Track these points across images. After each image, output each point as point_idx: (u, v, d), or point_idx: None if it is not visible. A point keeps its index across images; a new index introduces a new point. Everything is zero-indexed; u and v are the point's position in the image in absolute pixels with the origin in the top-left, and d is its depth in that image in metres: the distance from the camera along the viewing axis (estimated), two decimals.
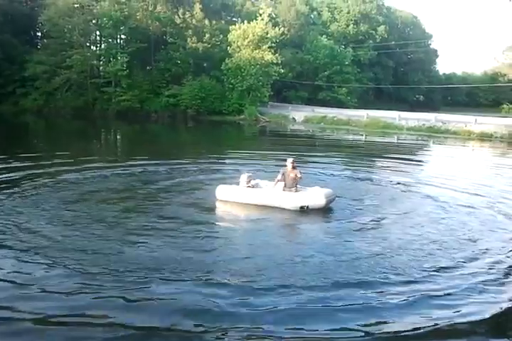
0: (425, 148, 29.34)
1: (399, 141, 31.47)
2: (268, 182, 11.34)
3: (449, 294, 6.24)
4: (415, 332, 5.31)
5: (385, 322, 5.50)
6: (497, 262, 7.51)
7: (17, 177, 13.07)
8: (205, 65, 48.77)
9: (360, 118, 40.20)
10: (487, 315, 5.75)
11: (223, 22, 51.95)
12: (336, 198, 10.94)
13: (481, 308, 5.93)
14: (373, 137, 33.47)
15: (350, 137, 34.37)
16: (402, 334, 5.27)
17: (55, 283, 6.20)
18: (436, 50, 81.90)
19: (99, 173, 14.15)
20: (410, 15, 78.96)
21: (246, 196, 10.73)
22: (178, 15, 47.73)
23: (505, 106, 62.59)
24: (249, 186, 10.97)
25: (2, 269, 6.65)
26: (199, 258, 7.22)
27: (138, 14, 46.53)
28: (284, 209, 10.35)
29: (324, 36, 59.84)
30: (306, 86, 56.61)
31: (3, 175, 13.22)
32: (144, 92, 45.66)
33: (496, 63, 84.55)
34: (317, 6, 69.97)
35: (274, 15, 51.93)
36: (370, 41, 67.50)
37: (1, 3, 46.37)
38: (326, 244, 8.23)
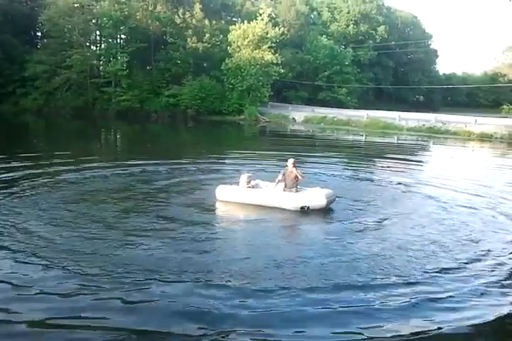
0: (425, 149, 29.30)
1: (399, 142, 31.45)
2: (268, 183, 11.31)
3: (451, 296, 6.18)
4: (418, 336, 5.23)
5: (387, 326, 5.43)
6: (499, 264, 7.45)
7: (16, 176, 13.03)
8: (205, 64, 48.75)
9: (360, 119, 40.17)
10: (490, 318, 5.68)
11: (223, 22, 51.93)
12: (337, 199, 10.90)
13: (484, 311, 5.87)
14: (373, 137, 33.44)
15: (350, 137, 34.34)
16: (405, 338, 5.20)
17: (53, 285, 6.15)
18: (436, 51, 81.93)
19: (99, 173, 14.12)
20: (410, 15, 78.96)
21: (246, 196, 10.69)
22: (178, 15, 47.70)
23: (505, 106, 62.58)
24: (249, 186, 10.94)
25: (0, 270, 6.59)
26: (199, 259, 7.17)
27: (138, 14, 46.51)
28: (284, 209, 10.31)
29: (324, 36, 59.82)
30: (306, 86, 56.58)
31: (3, 175, 13.17)
32: (143, 92, 45.64)
33: (496, 63, 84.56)
34: (317, 6, 69.96)
35: (274, 15, 51.91)
36: (370, 41, 67.50)
37: (1, 2, 46.31)
38: (327, 244, 8.19)
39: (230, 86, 45.17)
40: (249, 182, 10.98)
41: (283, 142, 28.14)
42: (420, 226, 9.40)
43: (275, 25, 48.69)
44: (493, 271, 7.16)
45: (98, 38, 51.40)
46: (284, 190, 10.69)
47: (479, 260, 7.58)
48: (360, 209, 10.69)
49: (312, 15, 67.66)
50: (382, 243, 8.23)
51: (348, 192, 12.29)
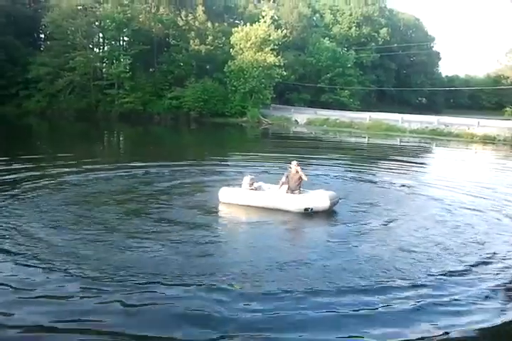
0: (428, 151, 29.22)
1: (402, 144, 31.41)
2: (270, 185, 11.29)
3: (456, 300, 6.12)
4: (424, 340, 5.16)
5: (391, 330, 5.38)
6: (505, 267, 7.38)
7: (19, 178, 13.02)
8: (207, 67, 48.78)
9: (363, 121, 40.14)
10: (497, 322, 5.61)
11: (226, 24, 51.98)
12: (340, 200, 10.87)
13: (491, 315, 5.80)
14: (376, 139, 33.38)
15: (353, 139, 34.29)
16: None
17: (54, 288, 6.10)
18: (438, 53, 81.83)
19: (102, 175, 14.10)
20: (413, 17, 78.93)
21: (249, 198, 10.66)
22: (180, 17, 47.80)
23: (508, 108, 62.27)
24: (251, 188, 10.92)
25: (0, 273, 6.55)
26: (201, 261, 7.13)
27: (141, 16, 46.62)
28: (288, 211, 10.27)
29: (327, 38, 59.81)
30: (309, 88, 56.57)
31: (5, 177, 13.17)
32: (146, 94, 45.69)
33: (499, 66, 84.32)
34: (319, 9, 69.97)
35: (276, 18, 51.88)
36: (373, 43, 67.46)
37: (4, 4, 46.47)
38: (330, 247, 8.13)
39: (233, 88, 45.20)
40: (251, 184, 10.96)
41: (285, 144, 28.12)
42: (424, 229, 9.34)
43: (277, 27, 48.71)
44: (498, 274, 7.09)
45: (101, 40, 51.48)
46: (287, 192, 10.67)
47: (484, 263, 7.51)
48: (364, 211, 10.66)
49: (314, 18, 67.70)
50: (386, 245, 8.17)
51: (351, 194, 12.27)
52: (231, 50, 45.16)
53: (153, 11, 47.92)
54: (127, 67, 43.89)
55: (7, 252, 7.26)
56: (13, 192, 11.31)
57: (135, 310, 5.64)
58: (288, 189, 10.71)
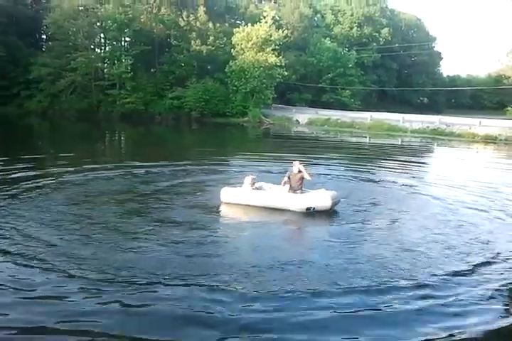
0: (429, 151, 29.21)
1: (403, 144, 31.40)
2: (272, 185, 11.30)
3: (460, 300, 6.06)
4: None
5: (394, 331, 5.34)
6: (510, 267, 7.30)
7: (20, 178, 13.00)
8: (209, 67, 48.83)
9: (364, 121, 40.15)
10: (502, 323, 5.55)
11: (227, 25, 52.02)
12: (342, 200, 10.88)
13: (495, 316, 5.74)
14: (377, 139, 33.36)
15: (354, 139, 34.27)
16: None
17: (53, 288, 6.05)
18: (440, 53, 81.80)
19: (103, 175, 14.11)
20: (414, 17, 78.87)
21: (251, 198, 10.67)
22: (182, 17, 47.84)
23: (509, 108, 62.20)
24: (253, 188, 10.94)
25: (0, 272, 6.51)
26: (202, 262, 7.09)
27: (142, 17, 46.69)
28: (289, 211, 10.27)
29: (328, 39, 59.84)
30: (310, 88, 56.58)
31: (6, 177, 13.18)
32: (148, 95, 45.79)
33: (500, 65, 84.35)
34: (321, 9, 69.99)
35: (277, 18, 51.89)
36: (374, 44, 67.45)
37: (5, 5, 46.58)
38: (332, 247, 8.10)
39: (234, 88, 45.25)
40: (253, 184, 10.98)
41: (287, 144, 28.14)
42: (426, 228, 9.31)
43: (279, 27, 48.73)
44: (502, 273, 7.03)
45: (102, 40, 51.62)
46: (289, 192, 10.70)
47: (488, 263, 7.43)
48: (365, 211, 10.64)
49: (316, 18, 67.76)
50: (388, 245, 8.14)
51: (353, 194, 12.25)
52: (232, 50, 45.22)
53: (154, 11, 48.00)
54: (129, 68, 44.01)
55: (7, 252, 7.21)
56: (14, 191, 11.29)
57: (135, 310, 5.60)
58: (290, 189, 10.74)
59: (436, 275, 6.82)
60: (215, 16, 50.01)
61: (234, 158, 20.63)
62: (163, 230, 8.64)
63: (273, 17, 46.08)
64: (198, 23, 47.50)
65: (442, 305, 5.95)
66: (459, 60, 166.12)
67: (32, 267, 6.67)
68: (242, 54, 44.95)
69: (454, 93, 76.42)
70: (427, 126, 36.56)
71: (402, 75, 75.79)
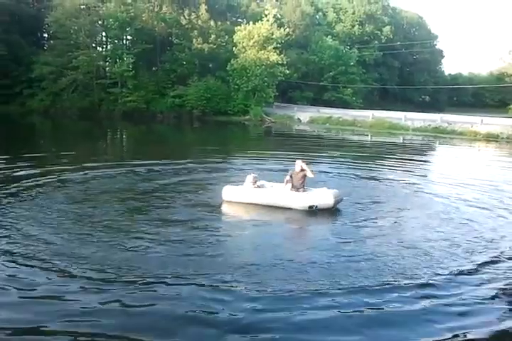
0: (431, 149, 29.17)
1: (405, 142, 31.33)
2: (273, 184, 11.28)
3: (464, 299, 6.01)
4: None
5: (397, 331, 5.31)
6: None
7: (21, 177, 12.95)
8: (210, 65, 48.83)
9: (366, 119, 40.09)
10: (506, 323, 5.50)
11: (229, 23, 52.01)
12: (344, 198, 10.84)
13: (501, 316, 5.69)
14: (379, 137, 33.33)
15: (356, 138, 34.25)
16: None
17: (53, 288, 6.02)
18: (441, 51, 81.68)
19: (105, 173, 14.08)
20: (416, 15, 78.74)
21: (253, 196, 10.64)
22: (183, 16, 47.82)
23: (511, 106, 62.16)
24: (255, 187, 10.92)
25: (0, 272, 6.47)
26: (204, 261, 7.05)
27: (144, 15, 46.66)
28: (292, 209, 10.25)
29: (329, 37, 59.78)
30: (312, 86, 56.53)
31: (7, 175, 13.17)
32: (149, 93, 45.80)
33: (502, 63, 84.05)
34: (322, 7, 69.94)
35: (279, 16, 51.92)
36: (376, 42, 67.39)
37: (8, 4, 46.58)
38: (335, 245, 8.05)
39: (236, 86, 45.23)
40: (255, 182, 10.96)
41: (288, 142, 28.09)
42: (429, 227, 9.27)
43: (280, 25, 48.70)
44: (506, 272, 6.97)
45: (104, 39, 51.64)
46: (291, 190, 10.68)
47: (492, 261, 7.38)
48: (368, 209, 10.60)
49: (317, 16, 67.72)
50: (391, 244, 8.10)
51: (355, 192, 12.22)
52: (234, 48, 45.20)
53: (156, 9, 48.00)
54: (130, 66, 44.03)
55: (7, 251, 7.16)
56: (14, 190, 11.26)
57: (136, 310, 5.56)
58: (292, 187, 10.72)
59: (439, 274, 6.77)
60: (216, 14, 49.99)
61: (235, 156, 20.60)
62: (165, 229, 8.60)
63: (274, 15, 46.06)
64: (199, 22, 47.47)
65: (446, 304, 5.90)
66: (461, 58, 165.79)
67: (32, 266, 6.63)
68: (244, 52, 44.91)
69: (455, 91, 76.31)
70: (429, 125, 36.52)
71: (403, 73, 75.71)
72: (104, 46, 52.03)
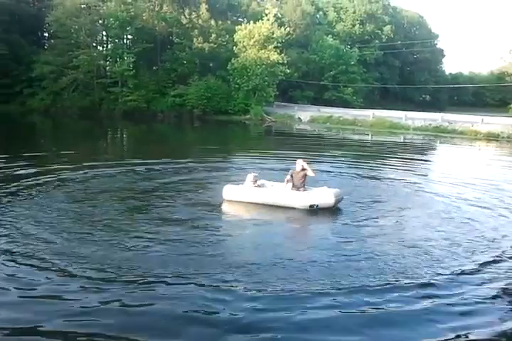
0: (432, 148, 29.16)
1: (405, 141, 31.31)
2: (274, 183, 11.26)
3: (465, 299, 5.99)
4: None
5: (399, 331, 5.29)
6: None
7: (21, 176, 12.93)
8: (211, 65, 48.81)
9: (366, 118, 40.09)
10: (507, 323, 5.46)
11: (229, 22, 51.98)
12: (345, 197, 10.82)
13: (502, 316, 5.67)
14: (380, 137, 33.31)
15: (356, 137, 34.22)
16: None
17: (53, 288, 6.00)
18: (442, 50, 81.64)
19: (105, 172, 14.07)
20: (416, 14, 78.69)
21: (254, 195, 10.62)
22: (184, 15, 47.79)
23: None
24: (255, 186, 10.90)
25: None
26: (204, 260, 7.02)
27: (144, 14, 46.62)
28: (293, 208, 10.23)
29: (330, 36, 59.75)
30: (312, 86, 56.50)
31: (7, 174, 13.14)
32: (150, 92, 45.76)
33: (503, 63, 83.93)
34: (323, 6, 69.88)
35: (279, 16, 51.90)
36: (376, 41, 67.34)
37: (8, 3, 46.56)
38: (335, 245, 8.03)
39: (236, 86, 45.21)
40: (255, 181, 10.94)
41: (289, 142, 28.05)
42: (430, 226, 9.25)
43: (281, 25, 48.68)
44: (507, 272, 6.95)
45: (105, 38, 51.60)
46: (292, 190, 10.66)
47: (494, 261, 7.35)
48: (369, 209, 10.58)
49: (318, 15, 67.65)
50: (392, 243, 8.07)
51: (356, 191, 12.21)
52: (234, 47, 45.19)
53: (156, 9, 47.97)
54: (131, 65, 43.99)
55: (6, 250, 7.13)
56: (14, 189, 11.24)
57: (136, 309, 5.54)
58: (293, 186, 10.70)
59: (440, 273, 6.74)
60: (217, 14, 49.95)
61: (236, 155, 20.59)
62: (165, 228, 8.58)
63: (275, 14, 46.03)
64: (200, 21, 47.43)
65: (447, 304, 5.87)
66: (462, 58, 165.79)
67: (31, 265, 6.61)
68: (244, 51, 44.90)
69: (456, 90, 76.21)
70: (430, 124, 36.51)
71: (404, 73, 75.67)
72: (105, 45, 52.02)
